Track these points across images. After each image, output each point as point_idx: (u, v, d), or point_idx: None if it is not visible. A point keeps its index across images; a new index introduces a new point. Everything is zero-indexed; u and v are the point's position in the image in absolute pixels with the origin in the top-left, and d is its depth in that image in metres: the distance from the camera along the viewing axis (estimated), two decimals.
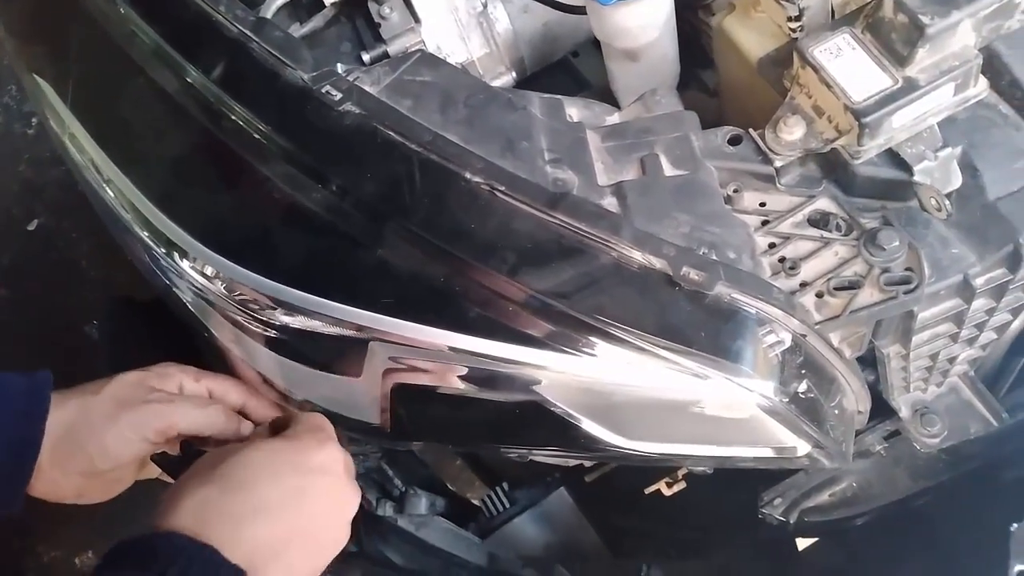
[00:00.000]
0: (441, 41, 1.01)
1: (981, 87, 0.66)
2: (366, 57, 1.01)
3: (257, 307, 0.73)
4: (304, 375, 0.78)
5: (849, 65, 0.67)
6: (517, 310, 0.67)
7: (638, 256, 0.67)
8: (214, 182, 0.80)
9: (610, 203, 0.72)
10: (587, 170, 0.73)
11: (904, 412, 0.85)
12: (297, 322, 0.72)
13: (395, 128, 0.72)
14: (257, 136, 0.74)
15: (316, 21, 1.03)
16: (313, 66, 0.76)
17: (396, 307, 0.69)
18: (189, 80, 0.78)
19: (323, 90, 0.74)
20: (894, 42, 0.65)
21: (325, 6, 1.01)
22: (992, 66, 0.71)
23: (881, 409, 0.88)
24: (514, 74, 1.07)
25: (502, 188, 0.69)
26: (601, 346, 0.65)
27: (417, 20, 1.00)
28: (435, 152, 0.71)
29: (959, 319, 0.71)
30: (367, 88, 0.76)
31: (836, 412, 0.74)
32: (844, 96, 0.66)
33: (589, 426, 0.73)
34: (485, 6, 1.03)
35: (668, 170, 0.74)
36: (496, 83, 1.06)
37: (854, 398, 0.77)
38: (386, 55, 1.00)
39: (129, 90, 0.81)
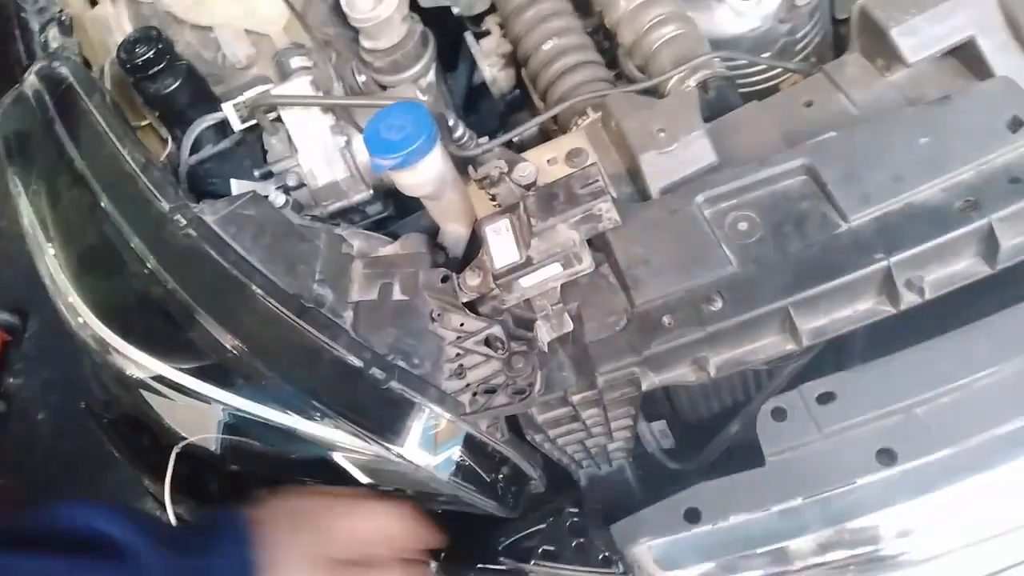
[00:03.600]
0: (312, 166, 1.36)
1: (586, 264, 0.96)
2: (256, 173, 1.37)
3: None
4: None
5: (502, 241, 0.98)
6: (271, 383, 1.00)
7: (346, 357, 0.98)
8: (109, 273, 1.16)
9: (349, 316, 1.04)
10: (343, 289, 1.06)
11: (584, 483, 1.13)
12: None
13: (215, 249, 1.06)
14: (133, 244, 1.10)
15: (226, 142, 1.40)
16: (175, 198, 1.12)
17: (193, 371, 1.03)
18: (102, 204, 1.14)
19: (175, 217, 1.09)
20: (522, 233, 0.95)
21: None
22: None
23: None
24: (371, 192, 1.40)
25: (270, 298, 1.02)
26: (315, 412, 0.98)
27: (294, 149, 1.35)
28: (235, 268, 1.05)
29: (577, 420, 1.00)
30: (208, 217, 1.10)
31: (503, 476, 1.04)
32: (491, 263, 0.96)
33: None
34: (348, 142, 1.37)
35: (397, 295, 1.05)
36: (357, 198, 1.39)
37: (523, 467, 1.06)
38: (271, 174, 1.36)
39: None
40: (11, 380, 3.02)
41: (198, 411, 1.10)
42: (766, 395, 1.11)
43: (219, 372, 1.04)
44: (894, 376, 0.90)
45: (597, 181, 0.94)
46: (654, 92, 1.20)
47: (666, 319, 0.93)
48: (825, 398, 0.91)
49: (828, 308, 0.92)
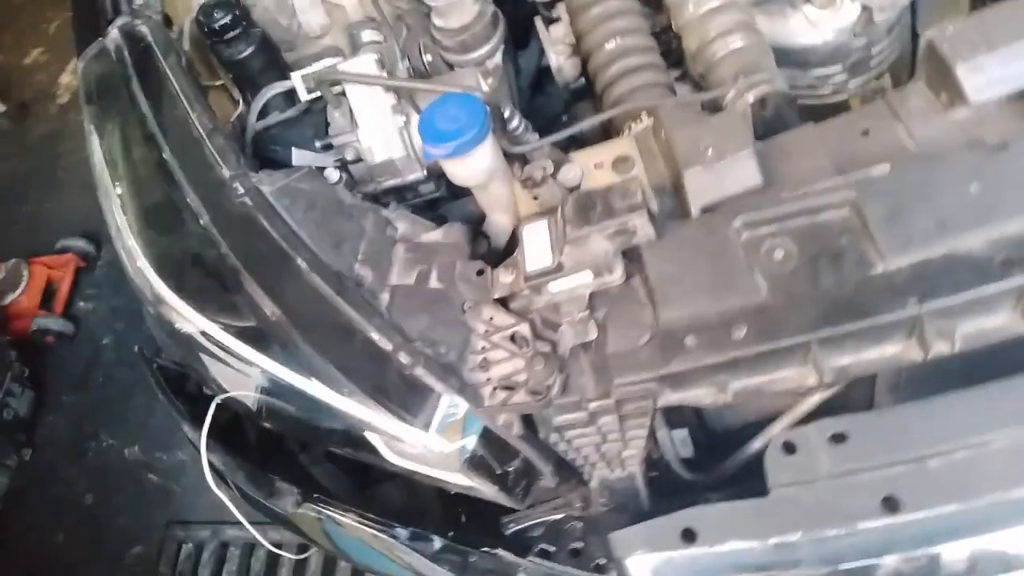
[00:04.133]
0: (371, 142, 1.39)
1: (616, 275, 0.97)
2: (318, 144, 1.41)
3: None
4: None
5: (537, 243, 1.00)
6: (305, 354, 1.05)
7: (376, 338, 1.03)
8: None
9: (385, 298, 1.08)
10: (384, 271, 1.10)
11: (593, 483, 1.15)
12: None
13: (267, 220, 1.11)
14: (192, 204, 1.16)
15: (292, 111, 1.45)
16: (236, 166, 1.17)
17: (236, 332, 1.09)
18: (167, 163, 1.21)
19: (234, 185, 1.15)
20: (558, 238, 0.97)
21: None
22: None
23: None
24: (425, 173, 1.43)
25: (313, 272, 1.07)
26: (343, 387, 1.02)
27: (355, 124, 1.39)
28: (284, 240, 1.10)
29: (592, 426, 1.02)
30: (265, 187, 1.15)
31: (514, 469, 1.08)
32: (523, 264, 0.99)
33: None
34: (407, 122, 1.40)
35: (433, 282, 1.09)
36: (411, 178, 1.43)
37: (535, 463, 1.09)
38: (331, 146, 1.40)
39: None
40: (81, 304, 3.20)
41: (240, 370, 1.16)
42: (790, 419, 1.11)
43: (260, 336, 1.10)
44: (910, 425, 0.90)
45: (636, 195, 0.95)
46: (712, 104, 1.19)
47: (689, 339, 0.94)
48: (838, 438, 0.91)
49: (855, 348, 0.92)
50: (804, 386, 0.95)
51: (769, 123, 1.13)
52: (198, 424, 1.22)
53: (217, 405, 1.18)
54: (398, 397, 1.01)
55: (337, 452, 1.22)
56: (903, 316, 0.88)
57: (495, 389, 1.02)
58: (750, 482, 1.06)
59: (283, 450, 1.43)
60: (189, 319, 1.16)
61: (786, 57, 1.49)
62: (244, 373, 1.16)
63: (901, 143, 1.02)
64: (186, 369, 1.34)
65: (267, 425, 1.23)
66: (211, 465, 1.20)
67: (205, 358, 1.22)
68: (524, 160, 1.21)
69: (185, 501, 2.58)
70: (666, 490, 1.19)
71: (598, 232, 0.94)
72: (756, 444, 1.20)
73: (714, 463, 1.26)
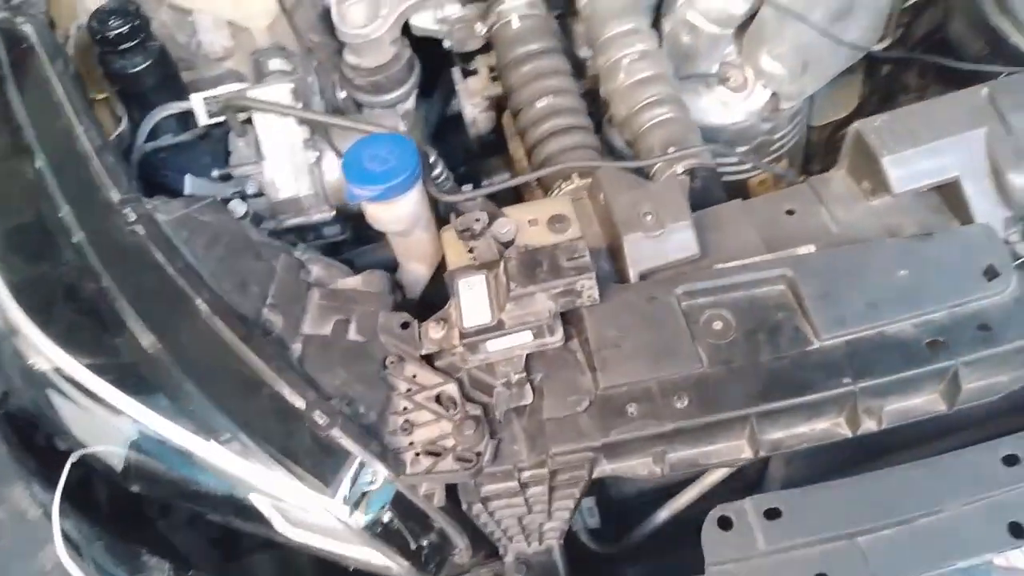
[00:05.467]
0: (277, 176, 1.29)
1: (557, 337, 0.93)
2: (215, 173, 1.29)
3: None
4: None
5: (474, 298, 0.94)
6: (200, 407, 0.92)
7: (287, 394, 0.92)
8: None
9: (297, 348, 0.97)
10: (296, 319, 0.99)
11: (509, 558, 1.08)
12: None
13: (161, 252, 0.98)
14: (71, 228, 1.01)
15: (188, 135, 1.32)
16: (127, 189, 1.03)
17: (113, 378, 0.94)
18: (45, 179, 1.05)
19: (124, 210, 1.01)
20: (497, 295, 0.92)
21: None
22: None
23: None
24: (333, 213, 1.34)
25: (215, 315, 0.95)
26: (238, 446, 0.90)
27: (261, 155, 1.28)
28: (181, 276, 0.97)
29: (520, 496, 0.96)
30: (160, 216, 1.02)
31: (428, 542, 0.98)
32: (460, 320, 0.92)
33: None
34: (319, 158, 1.31)
35: (352, 334, 0.99)
36: (317, 217, 1.33)
37: (452, 536, 1.01)
38: (230, 176, 1.28)
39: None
40: None
41: (106, 421, 1.01)
42: (698, 490, 1.09)
43: (142, 385, 0.95)
44: (841, 501, 0.90)
45: (584, 256, 0.91)
46: (641, 171, 1.19)
47: (630, 408, 0.90)
48: (772, 513, 0.90)
49: (788, 423, 0.92)
50: (738, 459, 0.94)
51: (698, 195, 1.14)
52: (48, 483, 1.04)
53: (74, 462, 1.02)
54: (309, 461, 0.90)
55: (207, 518, 1.07)
56: (837, 393, 0.90)
57: (419, 455, 0.94)
58: (667, 554, 1.03)
59: (139, 515, 1.26)
60: (53, 357, 1.00)
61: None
62: (112, 427, 1.01)
63: (824, 225, 1.05)
64: (37, 417, 1.14)
65: (134, 488, 1.07)
66: (64, 534, 1.02)
67: (65, 406, 1.05)
68: (449, 209, 1.15)
69: None
70: (579, 564, 1.13)
71: (543, 291, 0.90)
72: (662, 515, 1.18)
73: (618, 533, 1.23)
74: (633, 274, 1.00)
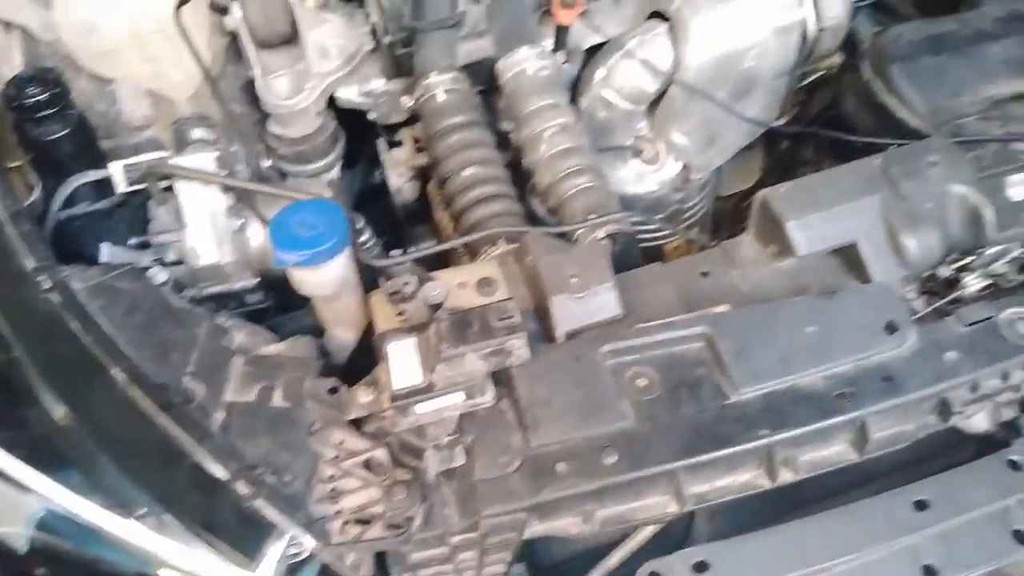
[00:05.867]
0: (199, 244, 1.27)
1: (488, 397, 0.93)
2: (132, 241, 1.26)
3: None
4: None
5: (404, 361, 0.94)
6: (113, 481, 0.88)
7: (208, 464, 0.89)
8: None
9: (219, 417, 0.95)
10: (219, 386, 0.97)
11: None
12: None
13: (77, 321, 0.95)
14: None
15: (105, 202, 1.29)
16: (42, 256, 1.00)
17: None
18: None
19: (38, 277, 0.97)
20: (428, 357, 0.92)
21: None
22: None
23: None
24: (256, 280, 1.32)
25: (132, 384, 0.91)
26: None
27: (183, 223, 1.26)
28: (97, 346, 0.94)
29: (450, 562, 0.94)
30: (76, 283, 0.99)
31: None
32: (390, 382, 0.92)
33: None
34: (243, 226, 1.30)
35: (277, 401, 0.97)
36: (239, 285, 1.31)
37: None
38: (148, 244, 1.26)
39: None
40: None
41: (10, 499, 0.94)
42: (628, 550, 1.10)
43: (53, 459, 0.90)
44: (766, 551, 0.93)
45: (513, 316, 0.93)
46: (564, 236, 1.23)
47: (561, 466, 0.91)
48: (700, 567, 0.91)
49: (711, 475, 0.95)
50: (665, 514, 0.96)
51: (618, 259, 1.18)
52: None
53: None
54: (231, 534, 0.87)
55: None
56: (756, 446, 0.93)
57: (347, 523, 0.92)
58: None
59: None
60: None
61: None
62: (15, 505, 0.94)
63: (737, 286, 1.11)
64: None
65: (39, 572, 1.00)
66: None
67: None
68: (376, 276, 1.16)
69: None
70: None
71: (474, 352, 0.91)
72: None
73: None
74: (560, 334, 1.03)
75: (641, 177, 1.58)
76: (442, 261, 1.40)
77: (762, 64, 1.42)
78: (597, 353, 0.98)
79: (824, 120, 1.53)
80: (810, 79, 1.53)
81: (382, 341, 0.97)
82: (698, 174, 1.59)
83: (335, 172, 1.61)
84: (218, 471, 0.89)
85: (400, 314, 1.02)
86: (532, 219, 1.43)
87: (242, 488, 0.88)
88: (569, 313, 1.03)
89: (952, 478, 0.99)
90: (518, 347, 0.93)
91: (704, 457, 0.92)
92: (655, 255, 1.59)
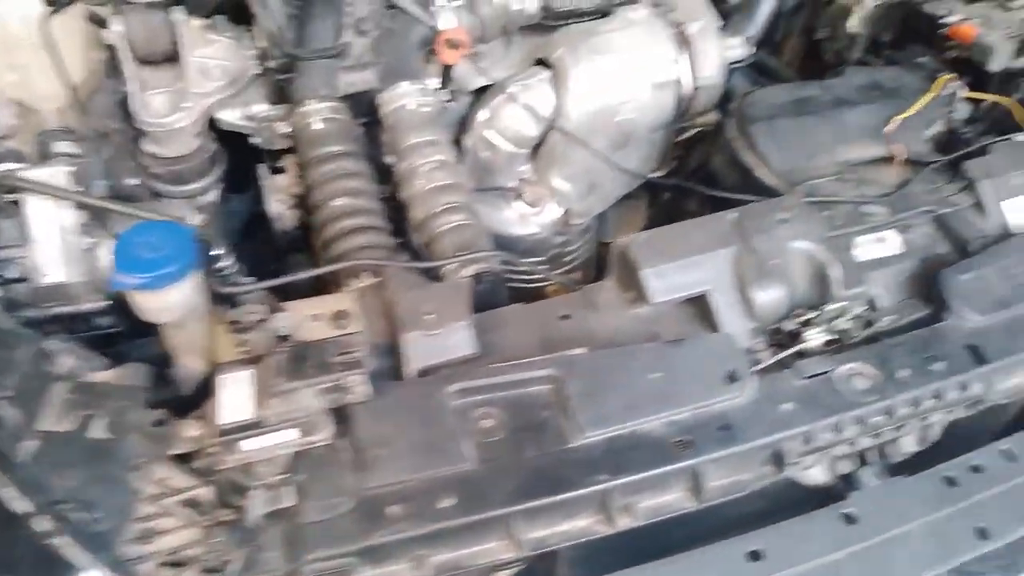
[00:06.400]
0: (44, 261, 1.20)
1: (324, 435, 0.90)
2: None
3: None
4: None
5: (236, 394, 0.90)
6: None
7: (8, 496, 0.82)
8: None
9: (30, 446, 0.88)
10: (33, 413, 0.90)
11: None
12: None
13: None
14: None
15: None
16: None
17: None
18: None
19: None
20: (262, 390, 0.89)
21: None
22: None
23: None
24: (107, 303, 1.25)
25: None
26: None
27: (29, 238, 1.19)
28: None
29: None
30: None
31: None
32: (215, 415, 0.87)
33: None
34: (96, 245, 1.23)
35: (98, 432, 0.91)
36: (87, 307, 1.24)
37: None
38: None
39: None
40: None
41: None
42: None
43: None
44: None
45: (354, 352, 0.91)
46: (433, 272, 1.22)
47: (393, 509, 0.88)
48: None
49: (550, 520, 0.93)
50: (502, 560, 0.94)
51: (483, 298, 1.18)
52: None
53: None
54: (28, 573, 0.80)
55: None
56: (595, 491, 0.93)
57: (161, 565, 0.86)
58: None
59: None
60: None
61: (497, 243, 1.62)
62: None
63: (594, 330, 1.12)
64: None
65: None
66: None
67: None
68: (232, 304, 1.11)
69: None
70: None
71: (309, 387, 0.88)
72: None
73: None
74: (411, 371, 1.01)
75: (524, 219, 1.60)
76: (319, 291, 1.36)
77: (640, 117, 1.46)
78: (443, 392, 0.97)
79: (700, 175, 1.58)
80: (687, 134, 1.58)
81: (216, 373, 0.92)
82: (579, 219, 1.62)
83: (213, 195, 1.56)
84: (18, 505, 0.82)
85: (242, 345, 0.98)
86: (414, 253, 1.42)
87: (42, 524, 0.81)
88: (421, 350, 1.01)
89: (787, 529, 1.00)
90: (357, 384, 0.90)
91: (540, 502, 0.90)
92: (537, 297, 1.60)
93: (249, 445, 0.88)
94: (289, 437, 0.89)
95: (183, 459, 0.94)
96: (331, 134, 1.34)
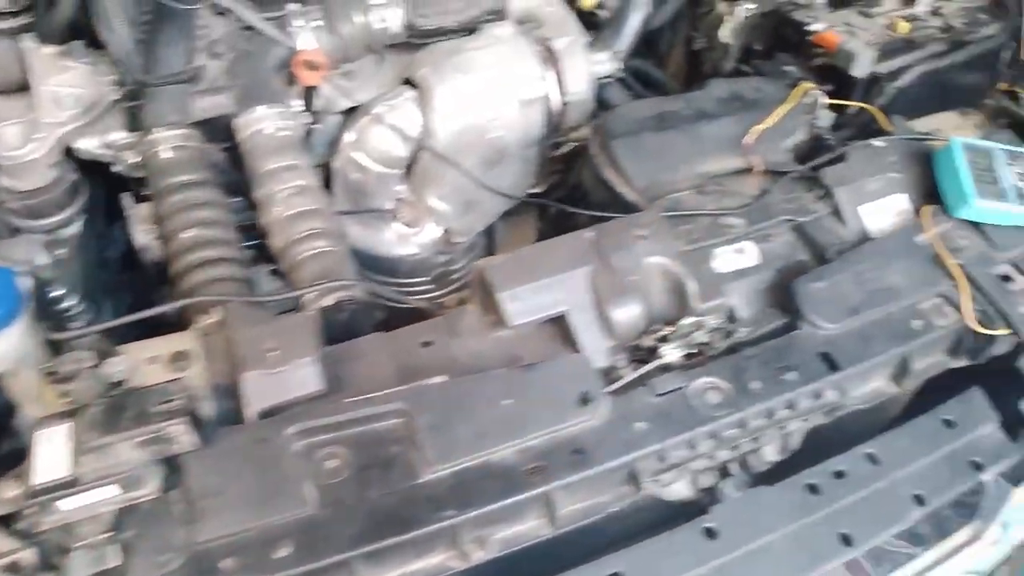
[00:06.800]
0: None
1: (149, 489, 0.85)
2: None
3: None
4: None
5: (53, 449, 0.84)
6: None
7: None
8: None
9: None
10: None
11: None
12: None
13: None
14: None
15: None
16: None
17: None
18: None
19: None
20: (79, 445, 0.83)
21: None
22: None
23: None
24: None
25: None
26: None
27: None
28: None
29: None
30: None
31: None
32: (29, 475, 0.82)
33: None
34: None
35: None
36: None
37: None
38: None
39: None
40: None
41: None
42: None
43: None
44: None
45: (177, 399, 0.86)
46: (292, 304, 1.18)
47: (226, 562, 0.84)
48: None
49: (398, 561, 0.91)
50: None
51: (344, 327, 1.14)
52: None
53: None
54: None
55: None
56: (443, 526, 0.90)
57: None
58: None
59: None
60: None
61: (378, 265, 1.59)
62: None
63: (456, 356, 1.10)
64: None
65: None
66: None
67: None
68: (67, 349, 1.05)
69: None
70: None
71: (125, 440, 0.83)
72: None
73: None
74: (252, 413, 0.97)
75: (403, 239, 1.57)
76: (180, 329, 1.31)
77: (510, 134, 1.45)
78: (283, 434, 0.93)
79: (580, 191, 1.57)
80: (564, 150, 1.58)
81: (34, 427, 0.87)
82: (460, 238, 1.59)
83: (75, 227, 1.49)
84: None
85: (65, 395, 0.92)
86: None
87: None
88: (263, 390, 0.97)
89: (648, 548, 1.00)
90: (180, 433, 0.85)
91: (385, 543, 0.88)
92: (424, 318, 1.57)
93: (66, 505, 0.82)
94: (109, 494, 0.84)
95: (5, 521, 0.88)
96: (181, 163, 1.29)
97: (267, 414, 0.98)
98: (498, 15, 1.50)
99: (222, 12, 1.43)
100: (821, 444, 1.17)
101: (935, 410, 1.19)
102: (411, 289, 1.61)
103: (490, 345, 1.11)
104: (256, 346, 0.99)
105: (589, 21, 1.61)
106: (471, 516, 0.90)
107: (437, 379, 1.04)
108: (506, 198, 1.55)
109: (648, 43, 1.92)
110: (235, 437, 0.92)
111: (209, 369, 1.02)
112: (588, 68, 1.49)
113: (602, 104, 1.58)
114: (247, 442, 0.92)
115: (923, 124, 1.48)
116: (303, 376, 0.99)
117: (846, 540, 1.06)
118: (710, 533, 1.03)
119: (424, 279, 1.62)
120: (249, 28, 1.41)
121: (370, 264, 1.58)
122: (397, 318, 1.24)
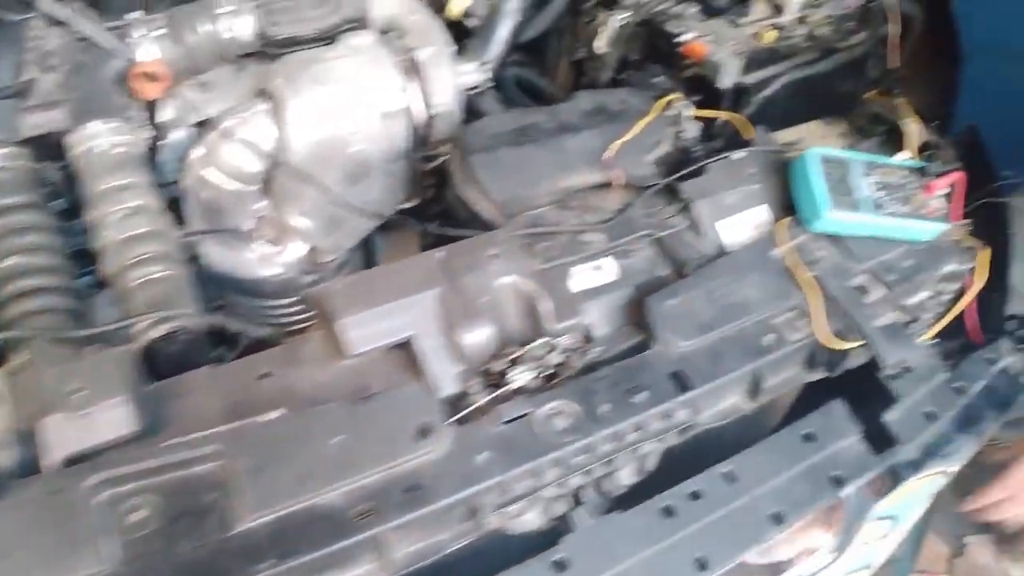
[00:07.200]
0: None
1: None
2: None
3: None
4: None
5: None
6: None
7: None
8: None
9: None
10: None
11: None
12: None
13: None
14: None
15: None
16: None
17: None
18: None
19: None
20: None
21: None
22: None
23: None
24: None
25: None
26: None
27: None
28: None
29: None
30: None
31: None
32: None
33: None
34: None
35: None
36: None
37: None
38: None
39: None
40: None
41: None
42: None
43: None
44: None
45: None
46: (124, 336, 1.09)
47: None
48: None
49: None
50: None
51: (175, 361, 1.07)
52: None
53: None
54: None
55: None
56: None
57: None
58: None
59: None
60: None
61: (240, 287, 1.51)
62: None
63: (296, 389, 1.03)
64: None
65: None
66: None
67: None
68: None
69: None
70: None
71: None
72: None
73: None
74: (52, 461, 0.88)
75: (265, 260, 1.49)
76: None
77: (372, 148, 1.39)
78: (83, 484, 0.85)
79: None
80: (435, 163, 1.52)
81: None
82: (328, 256, 1.52)
83: None
84: None
85: None
86: None
87: None
88: (65, 435, 0.89)
89: None
90: None
91: None
92: None
93: None
94: None
95: None
96: (4, 185, 1.19)
97: (73, 461, 0.90)
98: (358, 24, 1.44)
99: (59, 22, 1.34)
100: (687, 462, 1.15)
101: (794, 424, 1.18)
102: (280, 311, 1.54)
103: (333, 375, 1.05)
104: (59, 387, 0.91)
105: (459, 30, 1.56)
106: (292, 566, 0.84)
107: (272, 415, 0.98)
108: (377, 213, 1.48)
109: (537, 53, 1.89)
110: (24, 491, 0.84)
111: (16, 413, 0.93)
112: (454, 79, 1.44)
113: (477, 116, 1.53)
114: (40, 494, 0.84)
115: (788, 134, 1.48)
116: (113, 418, 0.91)
117: (701, 565, 1.04)
118: (559, 566, 0.99)
119: (293, 300, 1.54)
120: (86, 39, 1.31)
121: (233, 286, 1.49)
122: (259, 347, 1.17)
